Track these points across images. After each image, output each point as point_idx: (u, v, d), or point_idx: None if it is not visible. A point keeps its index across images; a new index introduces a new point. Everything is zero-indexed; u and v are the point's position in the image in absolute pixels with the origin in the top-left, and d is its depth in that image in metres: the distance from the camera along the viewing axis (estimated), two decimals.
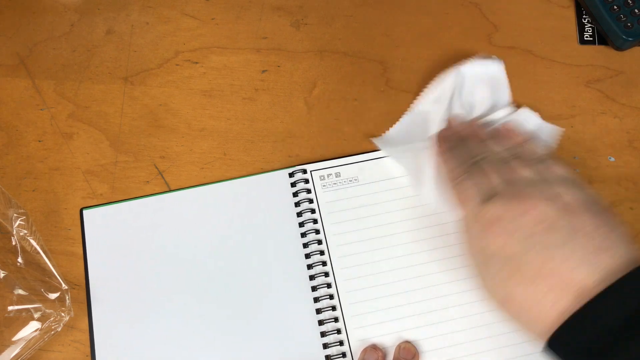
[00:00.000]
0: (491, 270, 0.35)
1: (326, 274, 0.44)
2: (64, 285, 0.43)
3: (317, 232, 0.46)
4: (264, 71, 0.52)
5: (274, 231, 0.46)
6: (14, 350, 0.41)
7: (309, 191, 0.47)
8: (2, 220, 0.44)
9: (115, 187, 0.48)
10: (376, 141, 0.48)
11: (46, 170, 0.49)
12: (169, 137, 0.49)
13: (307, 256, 0.45)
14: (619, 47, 0.50)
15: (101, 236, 0.46)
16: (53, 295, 0.43)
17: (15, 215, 0.43)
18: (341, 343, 0.43)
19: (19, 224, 0.43)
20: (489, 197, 0.36)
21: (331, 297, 0.44)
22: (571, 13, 0.53)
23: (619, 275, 0.30)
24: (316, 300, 0.44)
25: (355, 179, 0.47)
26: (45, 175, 0.48)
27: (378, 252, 0.45)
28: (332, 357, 0.42)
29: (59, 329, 0.42)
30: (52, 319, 0.42)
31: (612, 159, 0.48)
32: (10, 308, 0.42)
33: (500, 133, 0.43)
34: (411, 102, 0.49)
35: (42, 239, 0.44)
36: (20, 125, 0.50)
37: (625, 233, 0.33)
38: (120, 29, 0.53)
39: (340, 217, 0.46)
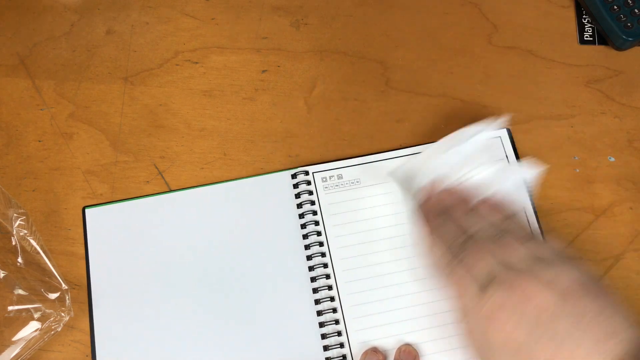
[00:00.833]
0: None
1: (327, 276, 0.44)
2: (64, 285, 0.43)
3: (319, 233, 0.46)
4: (264, 71, 0.52)
5: (276, 232, 0.46)
6: (14, 350, 0.41)
7: (311, 193, 0.47)
8: (2, 220, 0.44)
9: (115, 187, 0.48)
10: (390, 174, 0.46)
11: (46, 170, 0.49)
12: (169, 137, 0.49)
13: (309, 258, 0.45)
14: (619, 47, 0.50)
15: (103, 235, 0.46)
16: (53, 295, 0.43)
17: (15, 215, 0.43)
18: (342, 345, 0.43)
19: (19, 224, 0.43)
20: (486, 283, 0.35)
21: (332, 299, 0.44)
22: (571, 13, 0.53)
23: None
24: (317, 302, 0.44)
25: (357, 181, 0.47)
26: (45, 175, 0.48)
27: (380, 255, 0.45)
28: (332, 359, 0.42)
29: (59, 329, 0.42)
30: (52, 319, 0.42)
31: (612, 159, 0.48)
32: (10, 308, 0.42)
33: (487, 206, 0.41)
34: (411, 103, 0.49)
35: (42, 239, 0.44)
36: (20, 125, 0.50)
37: (626, 311, 0.33)
38: (120, 29, 0.53)
39: (342, 219, 0.46)
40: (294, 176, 0.47)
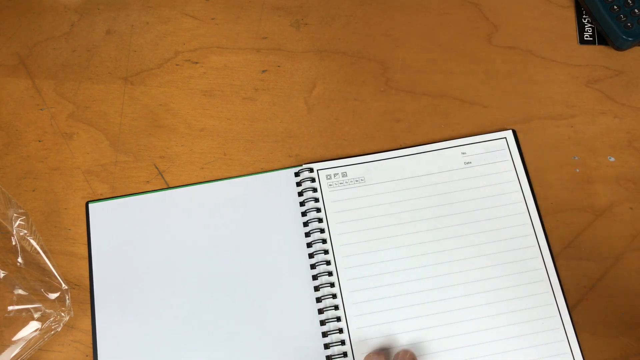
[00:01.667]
0: None
1: (329, 274, 0.44)
2: (64, 285, 0.43)
3: (322, 231, 0.46)
4: (264, 71, 0.52)
5: (278, 229, 0.46)
6: (14, 350, 0.41)
7: (314, 190, 0.47)
8: (2, 220, 0.44)
9: (115, 187, 0.48)
10: None
11: (46, 170, 0.49)
12: (169, 137, 0.49)
13: (311, 255, 0.45)
14: (619, 47, 0.50)
15: (106, 231, 0.46)
16: (53, 295, 0.43)
17: (15, 215, 0.43)
18: (343, 342, 0.43)
19: (19, 224, 0.43)
20: None
21: (334, 296, 0.44)
22: (571, 13, 0.53)
23: None
24: (318, 300, 0.44)
25: (361, 179, 0.47)
26: (45, 175, 0.48)
27: (382, 253, 0.45)
28: (333, 357, 0.42)
29: (59, 329, 0.42)
30: (52, 319, 0.42)
31: (612, 159, 0.48)
32: (10, 308, 0.42)
33: None
34: (411, 103, 0.49)
35: (42, 239, 0.44)
36: (20, 125, 0.50)
37: None
38: (120, 29, 0.53)
39: (345, 217, 0.46)
40: (297, 174, 0.47)
